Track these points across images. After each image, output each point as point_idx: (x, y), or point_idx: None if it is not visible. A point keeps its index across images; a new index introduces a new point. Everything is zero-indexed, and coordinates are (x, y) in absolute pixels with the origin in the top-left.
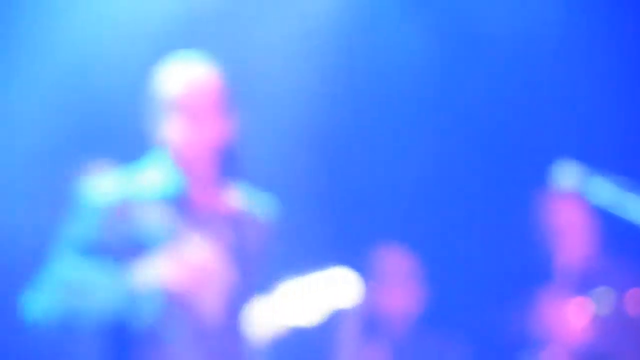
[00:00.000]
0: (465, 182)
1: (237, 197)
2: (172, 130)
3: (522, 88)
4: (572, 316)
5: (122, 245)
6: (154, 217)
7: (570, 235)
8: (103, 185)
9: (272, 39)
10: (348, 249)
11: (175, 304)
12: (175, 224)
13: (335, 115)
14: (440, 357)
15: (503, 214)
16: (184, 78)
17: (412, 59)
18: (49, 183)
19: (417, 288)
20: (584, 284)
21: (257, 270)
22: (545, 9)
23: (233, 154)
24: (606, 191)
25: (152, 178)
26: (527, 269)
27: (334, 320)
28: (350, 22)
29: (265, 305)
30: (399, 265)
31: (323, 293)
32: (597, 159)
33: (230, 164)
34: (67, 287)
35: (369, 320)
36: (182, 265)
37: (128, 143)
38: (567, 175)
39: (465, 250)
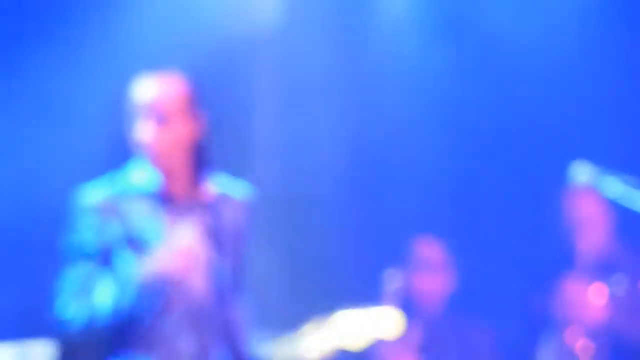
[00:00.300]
0: (495, 181)
1: (212, 185)
2: (143, 132)
3: (546, 96)
4: (590, 299)
5: (116, 240)
6: (140, 211)
7: (588, 227)
8: (92, 188)
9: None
10: (388, 241)
11: (171, 289)
12: (158, 216)
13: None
14: (470, 338)
15: (529, 209)
16: (152, 85)
17: (436, 64)
18: None
19: (449, 275)
20: (601, 271)
21: (239, 246)
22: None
23: (203, 150)
24: (619, 187)
25: (134, 177)
26: (551, 258)
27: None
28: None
29: (318, 331)
30: (433, 254)
31: (370, 324)
32: (610, 158)
33: (201, 159)
34: (81, 289)
35: (405, 304)
36: (172, 253)
37: None
38: (583, 173)
39: (495, 242)
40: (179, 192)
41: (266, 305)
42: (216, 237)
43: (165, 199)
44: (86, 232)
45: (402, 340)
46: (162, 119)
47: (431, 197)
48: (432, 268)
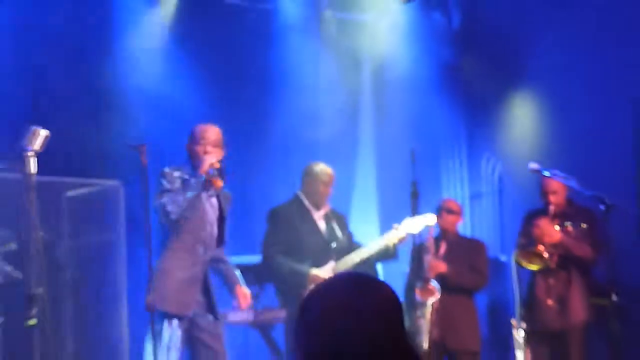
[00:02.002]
0: None
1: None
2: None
3: None
4: (553, 230)
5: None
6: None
7: (554, 195)
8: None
9: None
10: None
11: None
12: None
13: None
14: (471, 250)
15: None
16: (208, 127)
17: None
18: None
19: (460, 217)
20: (560, 217)
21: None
22: None
23: (223, 168)
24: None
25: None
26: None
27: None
28: None
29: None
30: (453, 205)
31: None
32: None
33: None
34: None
35: (438, 234)
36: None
37: None
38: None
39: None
40: (212, 185)
41: None
42: (221, 211)
43: (206, 186)
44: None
45: (436, 253)
46: (210, 145)
47: None
48: (451, 212)
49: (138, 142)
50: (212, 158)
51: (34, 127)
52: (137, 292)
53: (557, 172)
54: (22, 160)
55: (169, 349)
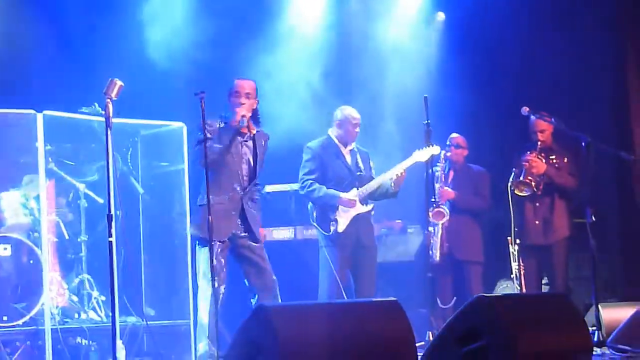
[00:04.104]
0: None
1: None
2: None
3: None
4: (539, 162)
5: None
6: (230, 134)
7: (540, 134)
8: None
9: None
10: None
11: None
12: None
13: None
14: (475, 177)
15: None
16: (243, 82)
17: None
18: None
19: (466, 150)
20: (545, 151)
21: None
22: None
23: (256, 116)
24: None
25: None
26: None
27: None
28: None
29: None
30: (460, 140)
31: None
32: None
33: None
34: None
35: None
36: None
37: None
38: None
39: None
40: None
41: None
42: (255, 152)
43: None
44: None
45: (445, 182)
46: (244, 95)
47: None
48: (459, 146)
49: (199, 90)
50: (243, 110)
51: (111, 78)
52: None
53: (545, 114)
54: (104, 106)
55: (204, 274)
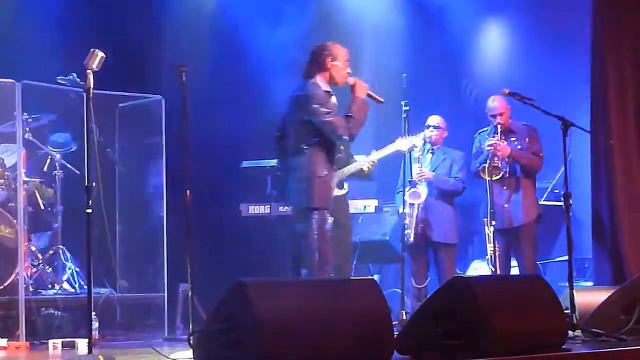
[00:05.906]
0: None
1: None
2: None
3: None
4: (504, 145)
5: None
6: None
7: (500, 115)
8: None
9: None
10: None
11: None
12: None
13: None
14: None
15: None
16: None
17: None
18: None
19: (444, 131)
20: (508, 134)
21: None
22: None
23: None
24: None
25: None
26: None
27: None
28: None
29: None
30: (440, 121)
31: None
32: None
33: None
34: None
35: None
36: None
37: None
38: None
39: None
40: None
41: None
42: None
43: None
44: None
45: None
46: None
47: None
48: (439, 128)
49: (180, 64)
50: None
51: (92, 49)
52: (174, 185)
53: (526, 97)
54: (83, 77)
55: (322, 236)
